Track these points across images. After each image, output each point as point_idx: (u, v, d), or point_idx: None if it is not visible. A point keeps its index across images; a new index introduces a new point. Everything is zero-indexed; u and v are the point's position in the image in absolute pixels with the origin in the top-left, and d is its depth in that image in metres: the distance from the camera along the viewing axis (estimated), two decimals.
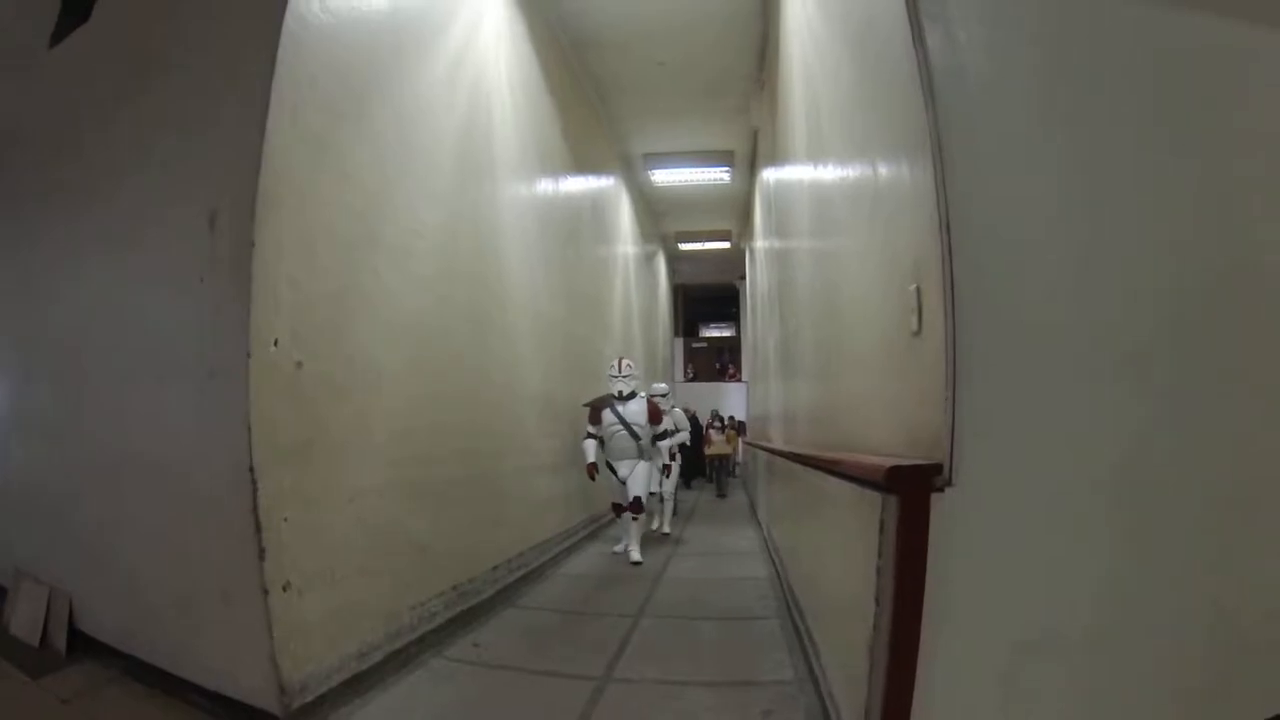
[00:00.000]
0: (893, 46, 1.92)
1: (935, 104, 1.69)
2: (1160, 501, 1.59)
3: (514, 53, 5.68)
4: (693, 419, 13.49)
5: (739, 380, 18.59)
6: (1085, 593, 1.59)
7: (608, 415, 6.74)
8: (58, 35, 4.23)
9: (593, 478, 6.72)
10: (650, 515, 7.66)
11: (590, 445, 6.76)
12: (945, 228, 1.66)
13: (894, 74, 1.95)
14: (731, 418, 16.22)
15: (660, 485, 7.74)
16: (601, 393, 7.00)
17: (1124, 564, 1.59)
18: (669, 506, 8.45)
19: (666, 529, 8.16)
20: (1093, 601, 1.59)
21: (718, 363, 21.55)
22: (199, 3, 3.31)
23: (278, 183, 2.80)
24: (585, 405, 6.85)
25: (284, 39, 2.82)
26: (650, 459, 6.93)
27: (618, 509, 6.87)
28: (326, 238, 3.13)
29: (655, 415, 6.96)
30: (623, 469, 6.71)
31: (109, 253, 3.55)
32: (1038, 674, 1.59)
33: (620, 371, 6.82)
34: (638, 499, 6.57)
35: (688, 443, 10.85)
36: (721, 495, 13.48)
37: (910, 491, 1.68)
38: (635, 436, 6.71)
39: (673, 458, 8.18)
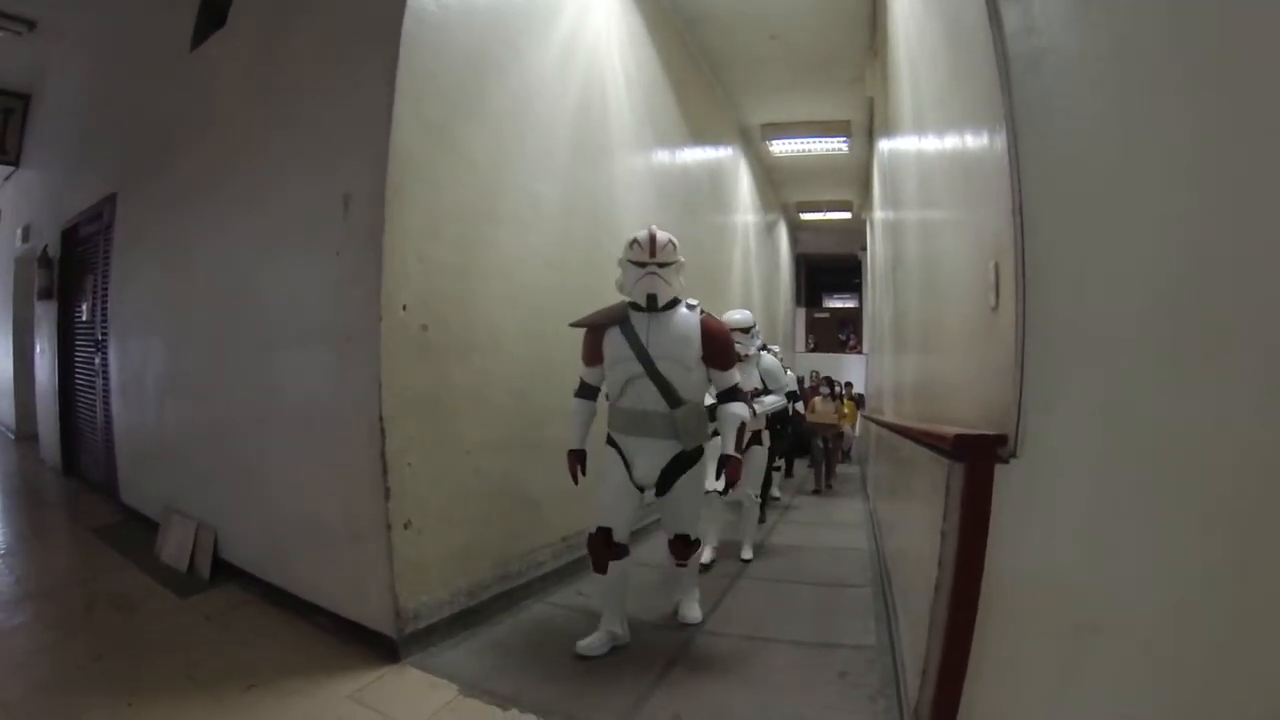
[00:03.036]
0: (973, 26, 1.94)
1: (1010, 86, 1.72)
2: (1234, 489, 1.55)
3: (626, 31, 5.79)
4: (800, 384, 10.27)
5: (859, 352, 18.18)
6: (1150, 578, 1.51)
7: (614, 342, 3.35)
8: (197, 39, 4.68)
9: (576, 477, 3.44)
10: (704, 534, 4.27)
11: (580, 410, 3.52)
12: (1019, 209, 1.70)
13: (975, 53, 1.97)
14: (849, 384, 13.04)
15: (716, 485, 3.98)
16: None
17: (1191, 551, 1.55)
18: (751, 514, 5.36)
19: (747, 554, 5.18)
20: (1158, 587, 1.51)
21: (841, 334, 21.08)
22: (323, 6, 3.60)
23: (404, 167, 3.10)
24: (574, 325, 3.50)
25: (404, 38, 3.09)
26: (693, 440, 3.34)
27: (602, 551, 3.31)
28: (450, 214, 3.41)
29: (719, 347, 3.38)
30: (641, 457, 3.33)
31: (251, 232, 3.95)
32: (1097, 655, 1.57)
33: (651, 255, 3.29)
34: (684, 539, 3.49)
35: (789, 410, 6.88)
36: (819, 489, 9.31)
37: (975, 459, 1.73)
38: (670, 393, 3.27)
39: (746, 446, 4.82)
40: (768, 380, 5.31)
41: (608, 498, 3.38)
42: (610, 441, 3.44)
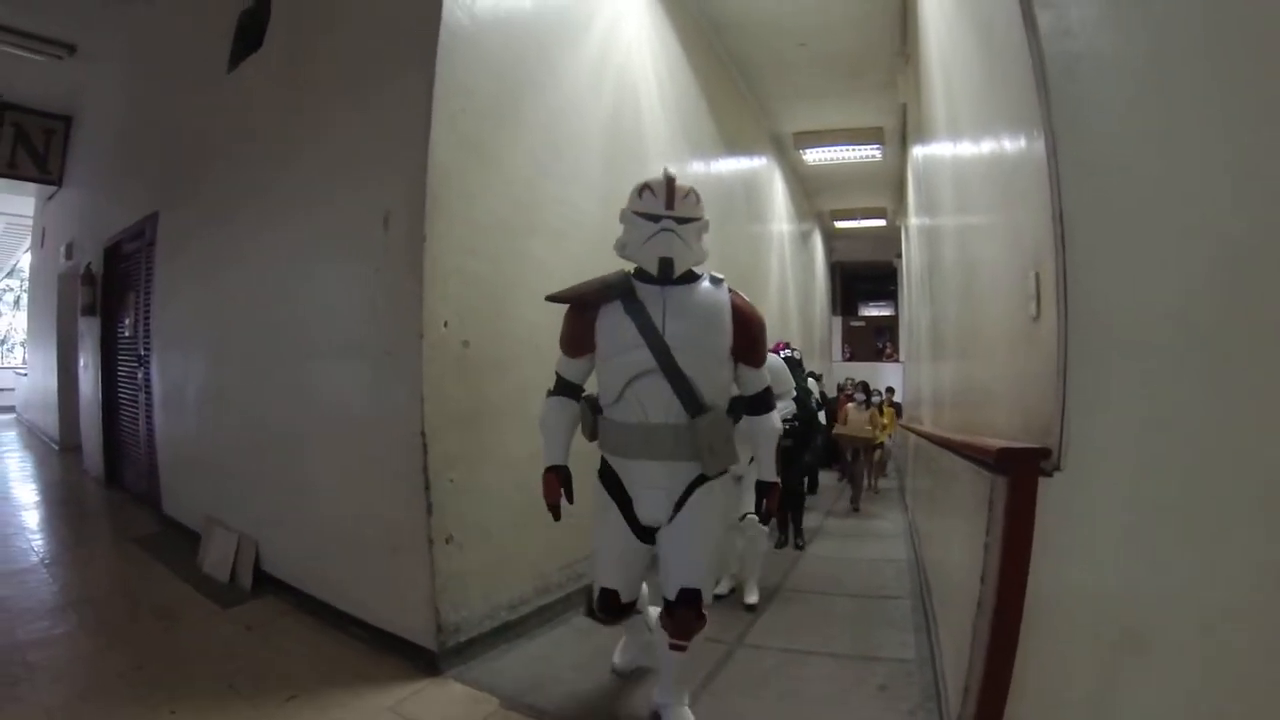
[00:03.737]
0: (1007, 28, 1.92)
1: (1048, 90, 1.69)
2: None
3: (657, 41, 5.78)
4: (823, 393, 8.98)
5: (896, 360, 17.97)
6: (1197, 588, 1.49)
7: (614, 324, 2.46)
8: (234, 60, 4.78)
9: (559, 508, 2.64)
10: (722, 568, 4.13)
11: (557, 411, 2.67)
12: (1059, 216, 1.66)
13: (1009, 56, 1.95)
14: (890, 390, 11.74)
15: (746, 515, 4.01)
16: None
17: (1239, 559, 1.48)
18: (757, 547, 4.20)
19: (751, 598, 4.12)
20: (1205, 597, 1.49)
21: (877, 342, 20.88)
22: (358, 26, 3.64)
23: (443, 183, 3.14)
24: (552, 299, 2.57)
25: (440, 53, 3.12)
26: (719, 462, 2.44)
27: (610, 609, 2.64)
28: (488, 227, 3.45)
29: (754, 336, 2.54)
30: (647, 490, 2.49)
31: (289, 248, 4.01)
32: (1143, 668, 1.53)
33: (669, 206, 2.44)
34: (690, 600, 2.45)
35: (818, 420, 6.04)
36: (856, 507, 8.28)
37: (1018, 473, 1.70)
38: (691, 396, 2.40)
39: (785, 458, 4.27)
40: (773, 382, 4.47)
41: (604, 551, 2.63)
42: (601, 476, 2.61)
